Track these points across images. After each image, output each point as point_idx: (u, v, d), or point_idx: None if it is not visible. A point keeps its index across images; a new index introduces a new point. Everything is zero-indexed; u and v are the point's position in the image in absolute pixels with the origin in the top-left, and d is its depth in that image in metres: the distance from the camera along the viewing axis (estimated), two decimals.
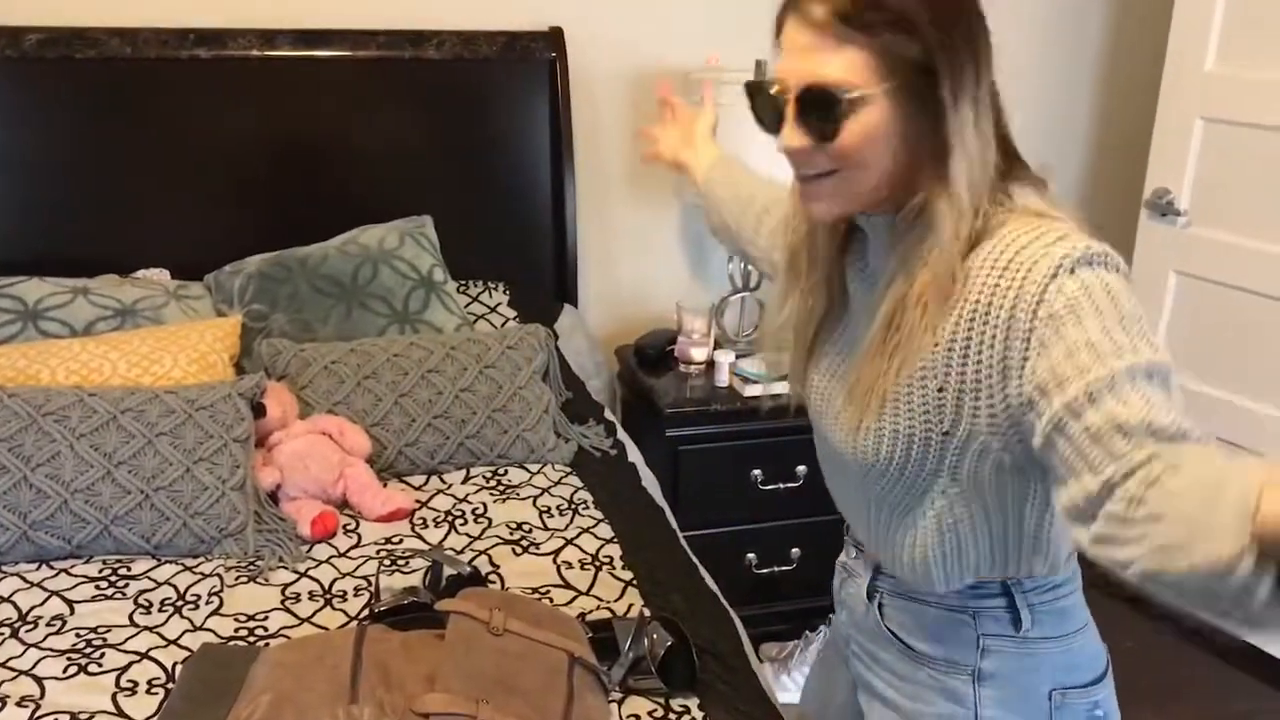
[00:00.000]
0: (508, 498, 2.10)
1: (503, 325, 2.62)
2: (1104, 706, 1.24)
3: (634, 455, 2.35)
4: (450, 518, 2.03)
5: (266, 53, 2.59)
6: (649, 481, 2.27)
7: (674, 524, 2.13)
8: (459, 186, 2.78)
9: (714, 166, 1.65)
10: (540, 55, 2.76)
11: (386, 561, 1.87)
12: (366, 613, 1.70)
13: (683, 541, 2.04)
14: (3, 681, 1.55)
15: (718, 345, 2.82)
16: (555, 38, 2.77)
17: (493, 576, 1.84)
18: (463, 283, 2.69)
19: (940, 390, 1.08)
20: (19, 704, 1.50)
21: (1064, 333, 0.98)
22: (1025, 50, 3.20)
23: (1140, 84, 3.06)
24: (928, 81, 1.03)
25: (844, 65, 1.03)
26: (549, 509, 2.07)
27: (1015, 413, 1.03)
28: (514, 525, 2.00)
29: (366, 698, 1.26)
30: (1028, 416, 1.01)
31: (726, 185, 1.61)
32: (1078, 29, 3.25)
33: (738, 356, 2.77)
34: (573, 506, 2.08)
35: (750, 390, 2.68)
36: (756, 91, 1.12)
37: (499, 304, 2.69)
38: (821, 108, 1.04)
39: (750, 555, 2.75)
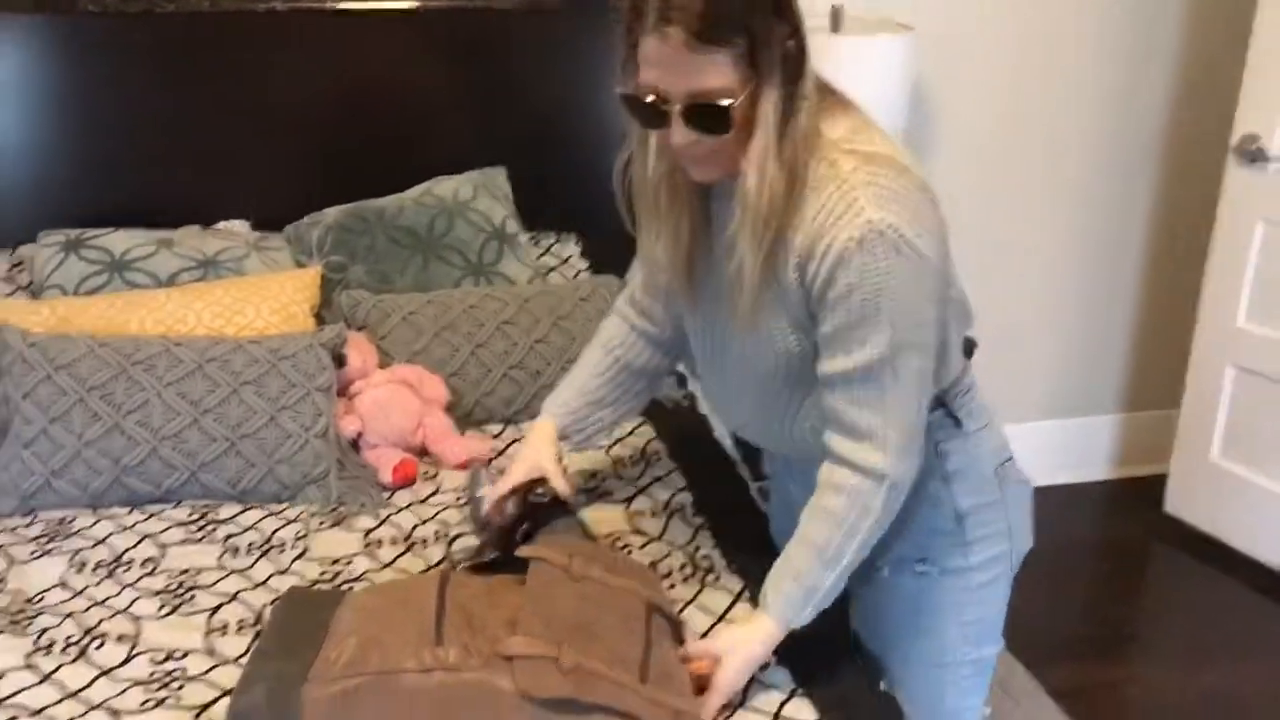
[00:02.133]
0: (583, 447, 2.12)
1: (575, 277, 2.63)
2: (1023, 473, 1.55)
3: (705, 406, 2.36)
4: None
5: (343, 4, 2.61)
6: (721, 433, 2.28)
7: (745, 474, 2.14)
8: (531, 137, 2.78)
9: (566, 417, 1.70)
10: (610, 4, 2.74)
11: (467, 508, 1.89)
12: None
13: (753, 490, 2.06)
14: (102, 620, 1.62)
15: None
16: None
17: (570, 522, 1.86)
18: (536, 234, 2.70)
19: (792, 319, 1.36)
20: (118, 640, 1.57)
21: (836, 313, 1.29)
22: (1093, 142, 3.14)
23: (1230, 23, 2.97)
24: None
25: (716, 74, 1.22)
26: (622, 459, 2.09)
27: None
28: (588, 474, 2.03)
29: (451, 640, 1.29)
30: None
31: (594, 387, 1.71)
32: (1143, 114, 3.17)
33: None
34: (645, 457, 2.10)
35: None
36: (634, 103, 1.31)
37: (570, 256, 2.71)
38: (710, 114, 1.24)
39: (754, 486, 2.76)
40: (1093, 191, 3.21)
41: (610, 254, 2.73)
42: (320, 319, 2.33)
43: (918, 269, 1.27)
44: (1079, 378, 3.38)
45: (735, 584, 1.67)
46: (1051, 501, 3.20)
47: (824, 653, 1.51)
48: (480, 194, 2.55)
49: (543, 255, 2.67)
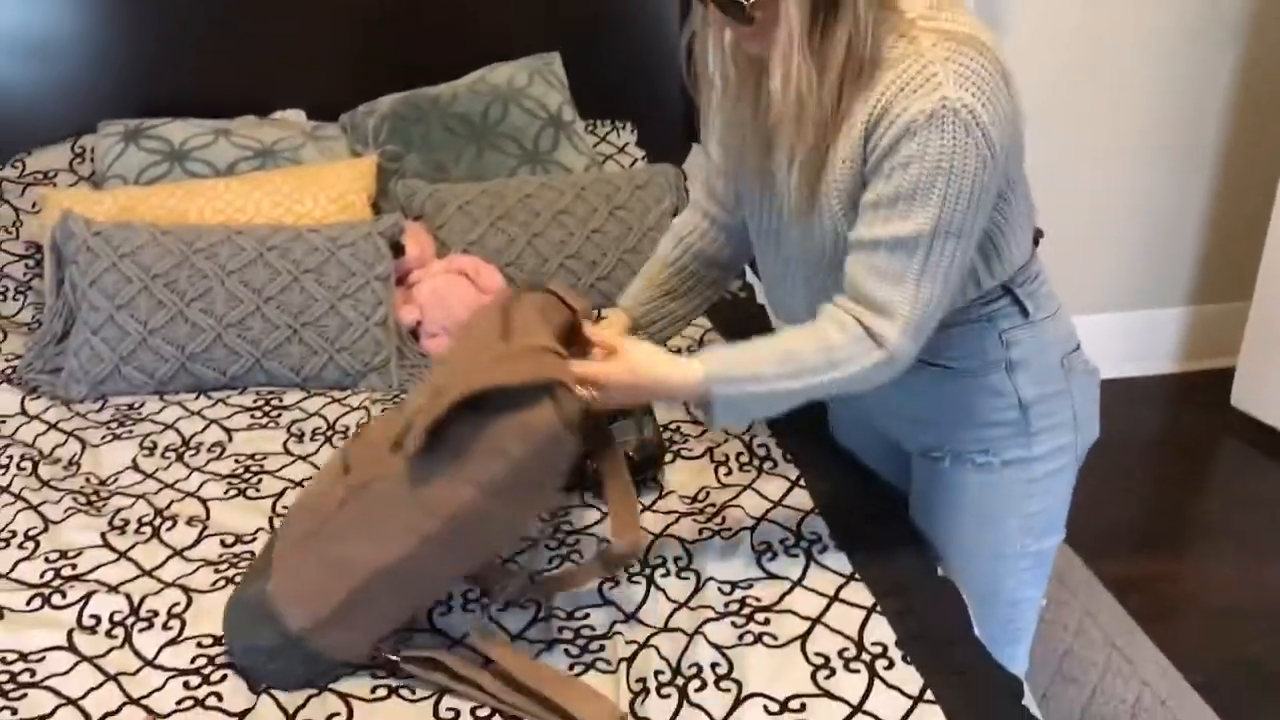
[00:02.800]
0: (656, 341, 2.12)
1: (631, 165, 2.60)
2: (1090, 363, 1.51)
3: (763, 297, 2.34)
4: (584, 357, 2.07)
5: None
6: (778, 324, 2.26)
7: None
8: (586, 22, 2.73)
9: (637, 309, 1.66)
10: None
11: None
12: None
13: None
14: (172, 502, 1.66)
15: None
16: None
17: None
18: (591, 122, 2.67)
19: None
20: (188, 523, 1.61)
21: (889, 181, 1.24)
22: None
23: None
24: None
25: None
26: (679, 349, 2.08)
27: None
28: None
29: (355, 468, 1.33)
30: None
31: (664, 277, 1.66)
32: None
33: None
34: (703, 345, 2.09)
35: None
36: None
37: (626, 144, 2.67)
38: (732, 5, 1.24)
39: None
40: (1170, 80, 3.09)
41: (666, 142, 2.70)
42: (377, 208, 2.34)
43: (983, 155, 1.23)
44: (1149, 269, 3.31)
45: (791, 471, 1.68)
46: (1118, 394, 3.18)
47: (882, 538, 1.52)
48: (535, 80, 2.51)
49: (598, 144, 2.64)
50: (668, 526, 1.56)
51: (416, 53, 2.64)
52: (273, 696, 1.27)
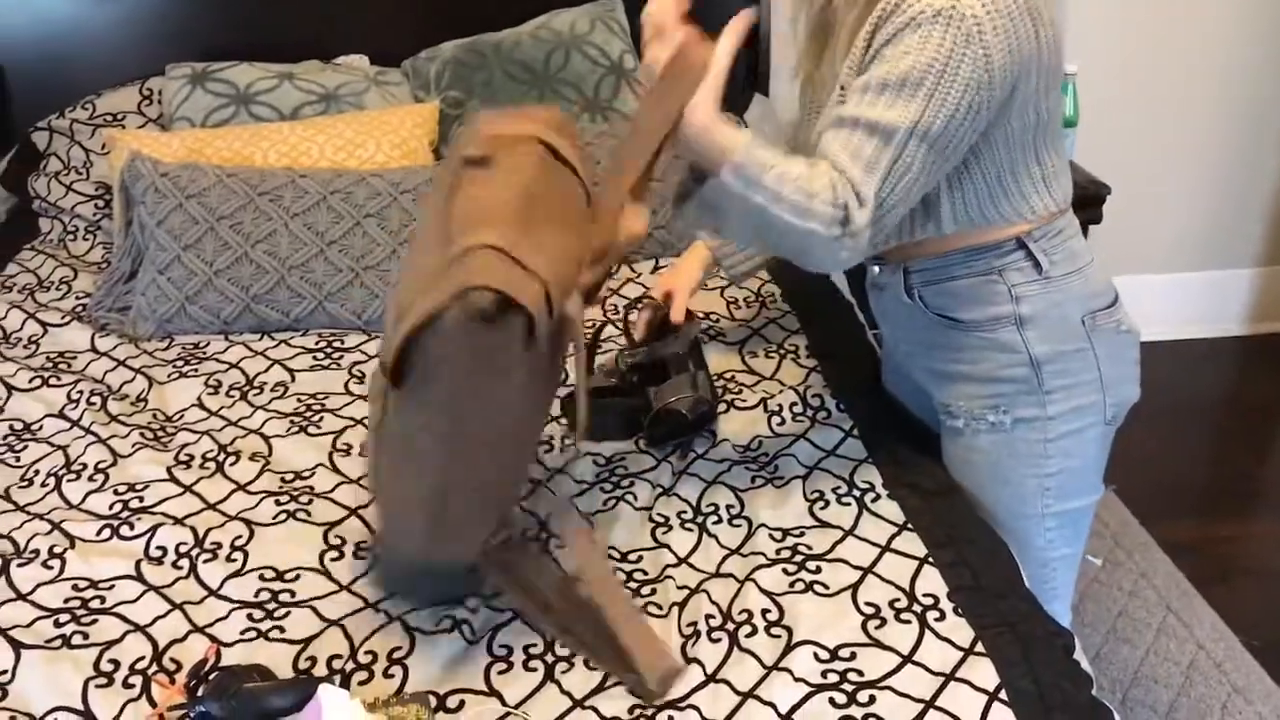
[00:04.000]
0: (738, 279, 2.11)
1: None
2: (1126, 323, 1.48)
3: None
4: (638, 308, 2.07)
5: None
6: (837, 276, 2.25)
7: (861, 317, 2.11)
8: None
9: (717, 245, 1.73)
10: None
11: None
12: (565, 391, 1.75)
13: (869, 335, 2.03)
14: (236, 439, 1.70)
15: None
16: None
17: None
18: None
19: None
20: (250, 459, 1.65)
21: (880, 66, 1.23)
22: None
23: None
24: None
25: None
26: (736, 300, 2.08)
27: None
28: (701, 315, 2.03)
29: None
30: None
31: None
32: None
33: None
34: (760, 299, 2.09)
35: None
36: None
37: None
38: None
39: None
40: (1243, 40, 3.00)
41: (728, 92, 2.67)
42: (439, 154, 2.34)
43: (978, 73, 1.21)
44: (1219, 230, 3.23)
45: (845, 421, 1.67)
46: (1186, 356, 3.13)
47: (934, 488, 1.51)
48: (597, 27, 2.50)
49: None
50: (720, 475, 1.57)
51: None
52: (341, 627, 1.31)
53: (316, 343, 1.98)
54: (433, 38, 2.54)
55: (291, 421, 1.74)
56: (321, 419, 1.74)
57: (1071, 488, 1.50)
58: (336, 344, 1.97)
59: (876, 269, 1.54)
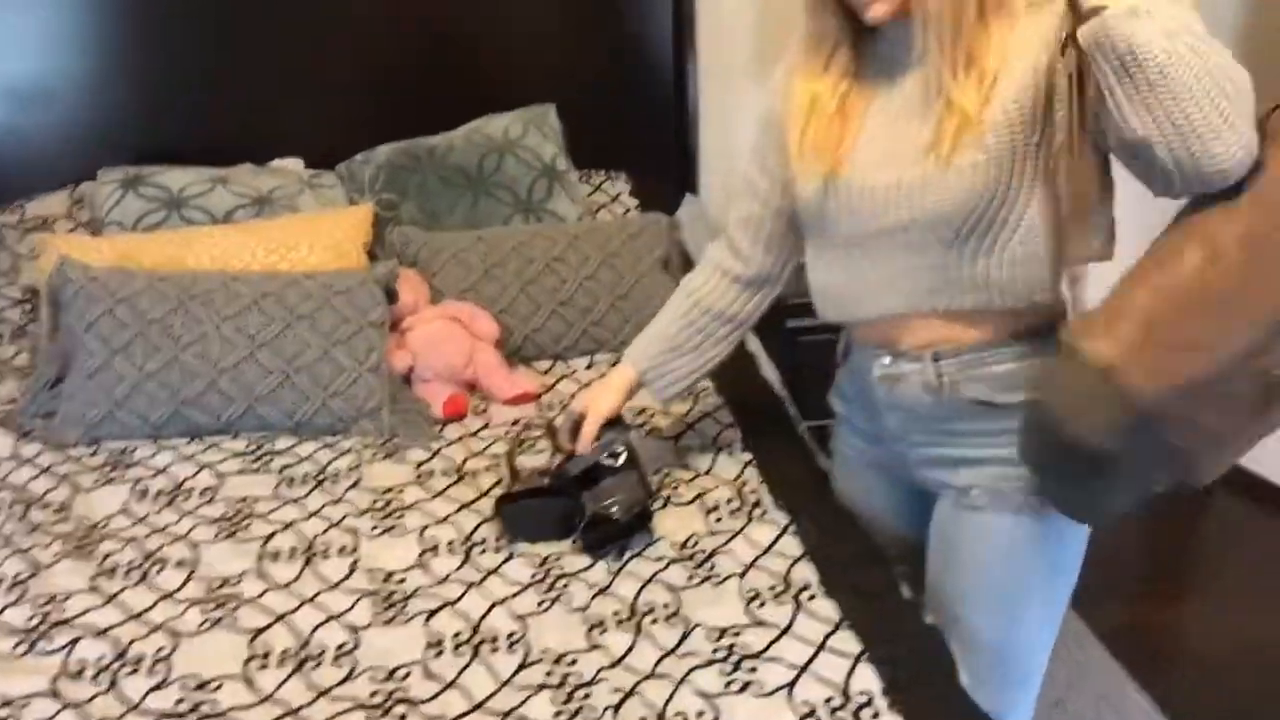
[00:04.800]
0: (666, 399, 2.12)
1: (624, 215, 2.63)
2: None
3: (753, 345, 2.36)
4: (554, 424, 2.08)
5: None
6: (768, 371, 2.28)
7: (794, 411, 2.14)
8: (581, 74, 2.77)
9: (643, 362, 1.68)
10: None
11: (518, 442, 1.93)
12: (501, 491, 1.75)
13: (801, 429, 2.05)
14: (162, 545, 1.66)
15: None
16: None
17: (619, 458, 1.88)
18: (585, 172, 2.70)
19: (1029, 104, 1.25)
20: (177, 565, 1.61)
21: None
22: None
23: None
24: None
25: None
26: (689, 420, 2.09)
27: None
28: (637, 410, 2.03)
29: None
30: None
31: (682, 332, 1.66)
32: None
33: None
34: (693, 393, 2.09)
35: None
36: None
37: (620, 193, 2.70)
38: None
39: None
40: None
41: (659, 192, 2.73)
42: (373, 256, 2.36)
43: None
44: None
45: (782, 518, 1.68)
46: None
47: (870, 585, 1.52)
48: (530, 131, 2.55)
49: (592, 193, 2.68)
50: (656, 573, 1.56)
51: (414, 103, 2.68)
52: None
53: (247, 446, 1.95)
54: (368, 142, 2.57)
55: (219, 527, 1.71)
56: (250, 524, 1.72)
57: (1073, 567, 1.49)
58: (267, 447, 1.95)
59: (887, 359, 1.45)
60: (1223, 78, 1.08)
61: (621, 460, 1.64)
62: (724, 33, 2.88)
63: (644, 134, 2.85)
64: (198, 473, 1.87)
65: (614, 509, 1.58)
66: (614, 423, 1.71)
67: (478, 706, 1.32)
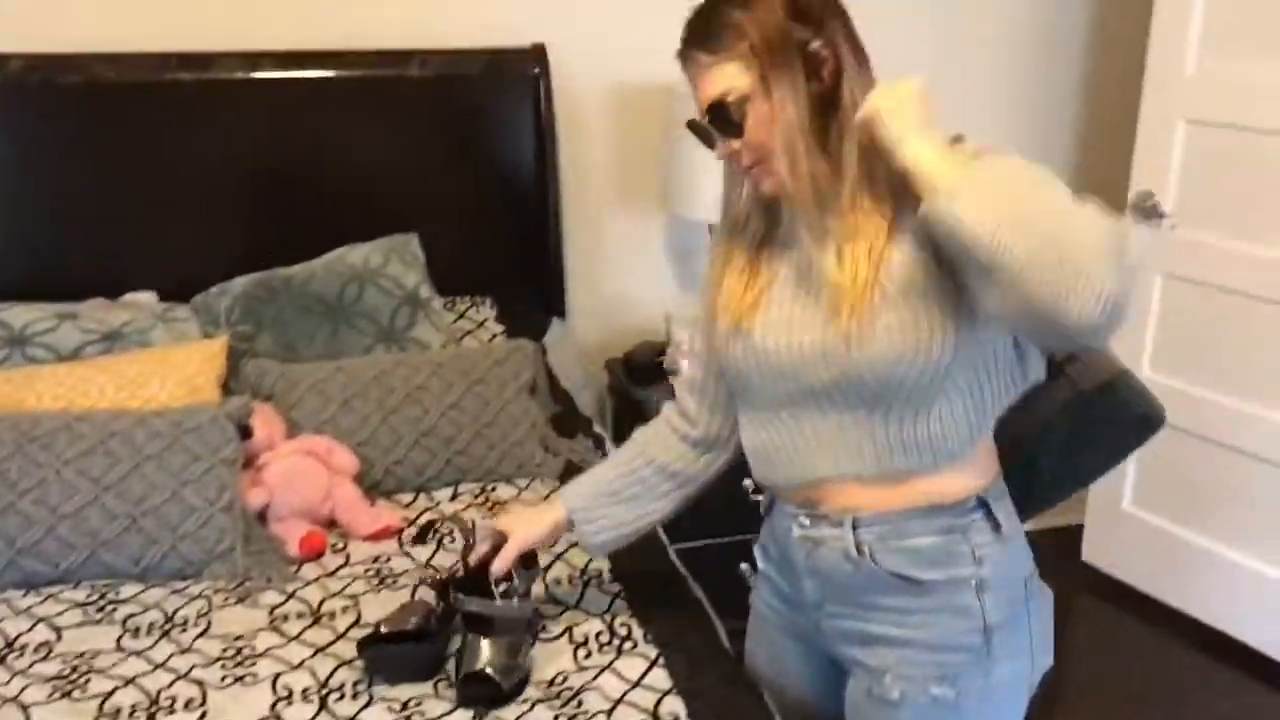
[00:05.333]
0: (496, 514, 2.10)
1: (490, 341, 2.62)
2: (1041, 581, 1.44)
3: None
4: (438, 535, 2.03)
5: (251, 75, 2.60)
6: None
7: (663, 536, 2.12)
8: (445, 203, 2.79)
9: (574, 500, 1.65)
10: (524, 72, 2.77)
11: (375, 580, 1.87)
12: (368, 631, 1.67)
13: (671, 553, 2.04)
14: None
15: None
16: (538, 54, 2.78)
17: None
18: (450, 299, 2.69)
19: (921, 270, 1.27)
20: None
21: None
22: (1008, 53, 3.22)
23: (1123, 86, 3.07)
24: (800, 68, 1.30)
25: (724, 80, 1.32)
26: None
27: None
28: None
29: None
30: None
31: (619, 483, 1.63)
32: (1059, 33, 3.26)
33: None
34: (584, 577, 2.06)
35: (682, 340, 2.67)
36: (691, 125, 1.40)
37: (486, 319, 2.69)
38: (721, 115, 1.33)
39: (744, 565, 2.74)
40: None
41: (527, 318, 2.74)
42: (228, 390, 2.29)
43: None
44: None
45: (652, 651, 1.65)
46: None
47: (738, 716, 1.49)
48: (392, 260, 2.53)
49: (457, 320, 2.66)
50: (521, 715, 1.51)
51: (274, 234, 2.64)
52: None
53: (88, 596, 1.85)
54: (226, 273, 2.52)
55: (54, 686, 1.60)
56: (88, 680, 1.61)
57: None
58: (111, 595, 1.85)
59: (806, 520, 1.42)
60: (1063, 234, 1.10)
61: (518, 612, 1.59)
62: (587, 158, 2.94)
63: (510, 260, 2.87)
64: (33, 627, 1.76)
65: (499, 675, 1.53)
66: (529, 559, 1.66)
67: None
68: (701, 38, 1.33)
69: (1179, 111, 2.75)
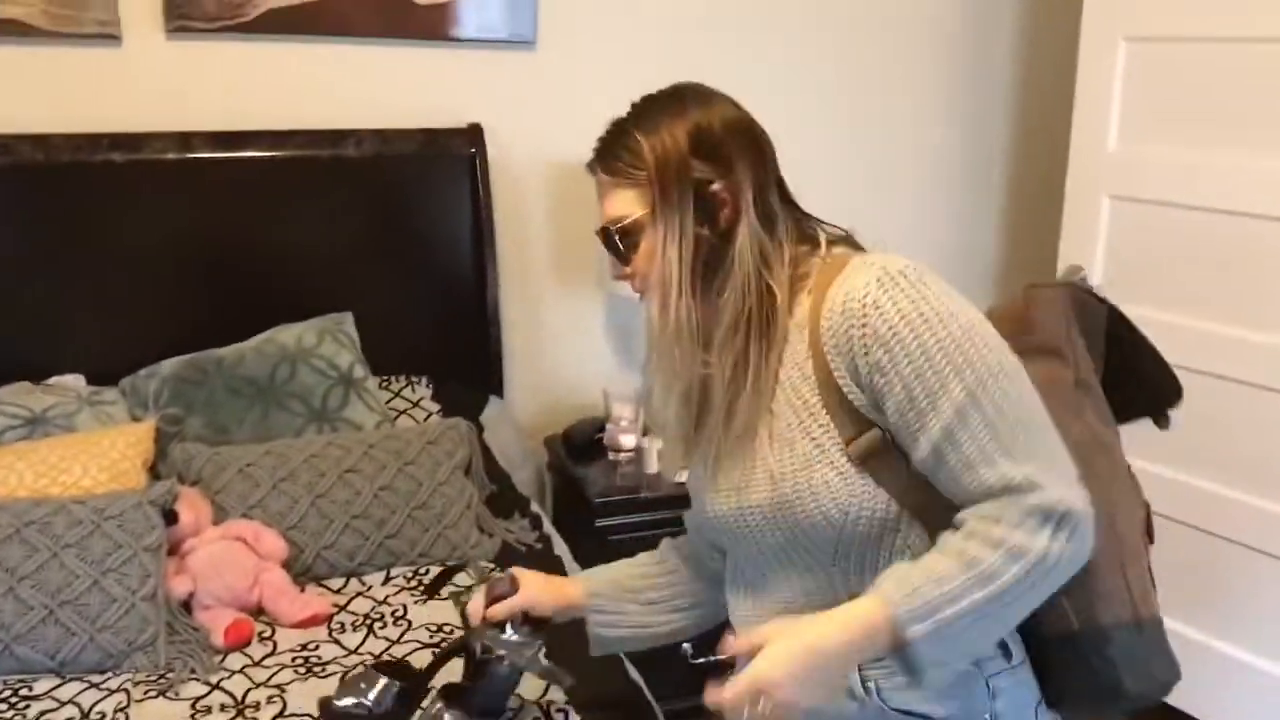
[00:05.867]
0: (429, 598, 2.06)
1: (425, 420, 2.59)
2: (1051, 713, 1.33)
3: (560, 548, 2.32)
4: (369, 621, 1.99)
5: (184, 155, 2.58)
6: (575, 574, 2.23)
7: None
8: (382, 282, 2.77)
9: (592, 584, 1.59)
10: (459, 151, 2.78)
11: (303, 669, 1.83)
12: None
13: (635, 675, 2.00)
14: None
15: (646, 431, 2.82)
16: (474, 133, 2.80)
17: None
18: (385, 378, 2.67)
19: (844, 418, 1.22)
20: None
21: (897, 369, 1.16)
22: (939, 135, 3.30)
23: (1050, 165, 3.14)
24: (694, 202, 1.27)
25: (622, 204, 1.31)
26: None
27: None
28: (435, 627, 1.96)
29: None
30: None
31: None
32: (986, 111, 3.35)
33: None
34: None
35: (681, 476, 2.67)
36: (601, 235, 1.35)
37: (422, 398, 2.67)
38: (610, 237, 1.32)
39: (685, 645, 2.70)
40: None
41: (462, 396, 2.72)
42: (156, 474, 2.24)
43: (950, 305, 1.17)
44: None
45: None
46: None
47: None
48: (325, 340, 2.51)
49: (392, 399, 2.63)
50: None
51: (208, 316, 2.61)
52: None
53: (0, 692, 1.78)
54: (156, 355, 2.48)
55: None
56: None
57: None
58: (24, 692, 1.78)
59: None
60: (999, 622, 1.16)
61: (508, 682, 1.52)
62: (525, 236, 2.95)
63: (448, 338, 2.86)
64: None
65: None
66: (537, 623, 1.54)
67: None
68: (605, 157, 1.32)
69: (1103, 188, 2.82)
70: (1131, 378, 1.37)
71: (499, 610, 1.51)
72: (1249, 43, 2.46)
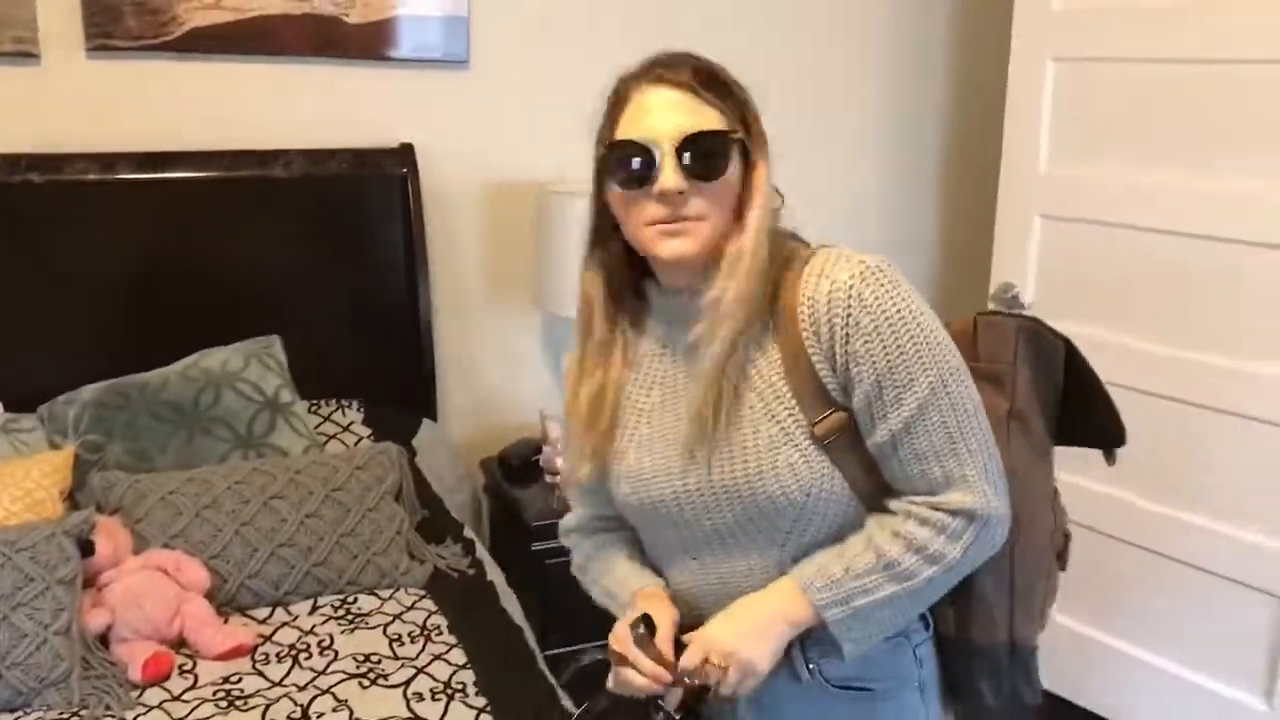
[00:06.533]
0: (356, 627, 2.02)
1: (356, 444, 2.54)
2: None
3: (493, 574, 2.29)
4: (294, 652, 1.94)
5: (106, 176, 2.52)
6: (508, 600, 2.20)
7: (533, 644, 2.06)
8: (312, 304, 2.73)
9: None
10: (391, 171, 2.75)
11: (224, 703, 1.78)
12: None
13: (541, 663, 1.98)
14: None
15: None
16: (405, 153, 2.76)
17: (339, 710, 1.76)
18: (315, 402, 2.62)
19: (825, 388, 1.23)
20: None
21: (871, 358, 1.20)
22: (873, 155, 3.32)
23: (981, 184, 3.17)
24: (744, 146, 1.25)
25: (716, 118, 1.22)
26: (399, 636, 1.99)
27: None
28: (362, 657, 1.92)
29: None
30: None
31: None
32: (919, 132, 3.38)
33: None
34: (425, 633, 2.00)
35: (583, 470, 2.61)
36: (623, 149, 1.23)
37: (352, 422, 2.62)
38: (706, 150, 1.21)
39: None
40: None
41: (394, 420, 2.68)
42: (73, 504, 2.18)
43: (920, 305, 1.22)
44: None
45: None
46: None
47: None
48: (252, 364, 2.46)
49: (321, 424, 2.58)
50: None
51: (132, 340, 2.54)
52: None
53: None
54: (78, 382, 2.41)
55: None
56: None
57: None
58: None
59: None
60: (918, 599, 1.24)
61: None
62: (458, 256, 2.92)
63: (380, 360, 2.81)
64: None
65: None
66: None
67: None
68: (699, 71, 1.23)
69: (1034, 207, 2.84)
70: (1083, 413, 1.42)
71: (667, 637, 1.31)
72: (1177, 63, 2.49)
